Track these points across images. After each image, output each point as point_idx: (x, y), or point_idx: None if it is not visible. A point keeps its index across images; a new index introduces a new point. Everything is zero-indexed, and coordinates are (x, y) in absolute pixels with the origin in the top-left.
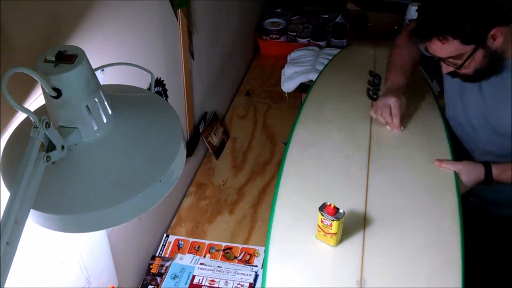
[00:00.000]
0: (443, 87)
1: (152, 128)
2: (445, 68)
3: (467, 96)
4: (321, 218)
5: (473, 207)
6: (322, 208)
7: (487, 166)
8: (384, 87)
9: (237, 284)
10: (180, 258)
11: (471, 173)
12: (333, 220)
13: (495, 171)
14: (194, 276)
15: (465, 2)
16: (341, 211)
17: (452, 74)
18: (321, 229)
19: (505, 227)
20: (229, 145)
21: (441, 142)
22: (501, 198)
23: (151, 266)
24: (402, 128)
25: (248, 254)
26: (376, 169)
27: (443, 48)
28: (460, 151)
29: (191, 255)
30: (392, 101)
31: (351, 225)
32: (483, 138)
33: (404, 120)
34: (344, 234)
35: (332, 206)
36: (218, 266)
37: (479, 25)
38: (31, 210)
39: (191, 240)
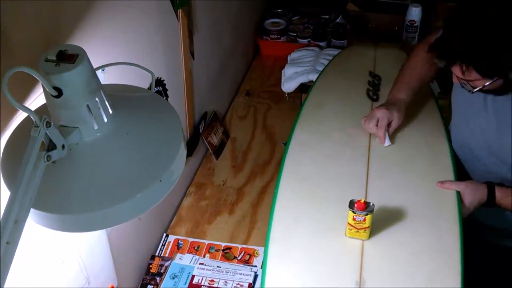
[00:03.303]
0: (452, 99)
1: (152, 128)
2: (455, 79)
3: (473, 119)
4: (353, 216)
5: (473, 235)
6: (352, 205)
7: (491, 187)
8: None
9: (237, 284)
10: (180, 258)
11: (474, 193)
12: (366, 215)
13: (499, 193)
14: (193, 276)
15: (498, 33)
16: (371, 204)
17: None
18: (353, 226)
19: (504, 258)
20: (229, 145)
21: (441, 143)
22: (503, 226)
23: (150, 266)
24: (389, 143)
25: (248, 254)
26: (376, 170)
27: (462, 74)
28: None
29: (191, 255)
30: (380, 113)
31: None
32: (484, 160)
33: (403, 123)
34: (344, 233)
35: (362, 201)
36: (217, 266)
37: (505, 61)
38: (31, 210)
39: (190, 240)
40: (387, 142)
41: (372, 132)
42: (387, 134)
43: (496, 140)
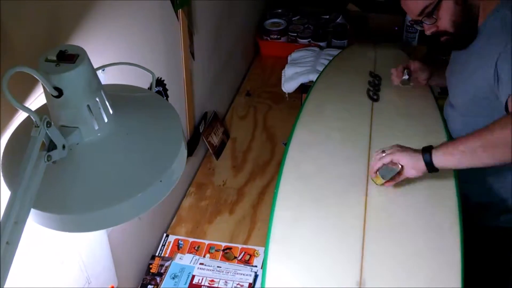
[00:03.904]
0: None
1: (152, 128)
2: (427, 29)
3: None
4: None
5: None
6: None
7: (426, 152)
8: None
9: (237, 284)
10: (180, 258)
11: (414, 165)
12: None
13: (436, 158)
14: (193, 276)
15: None
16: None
17: (436, 38)
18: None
19: (501, 239)
20: (229, 145)
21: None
22: (489, 199)
23: (150, 266)
24: (407, 77)
25: (248, 254)
26: None
27: (411, 4)
28: None
29: (191, 255)
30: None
31: (351, 225)
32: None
33: (404, 124)
34: (344, 234)
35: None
36: (217, 266)
37: None
38: (32, 210)
39: (191, 240)
40: (406, 76)
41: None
42: (405, 73)
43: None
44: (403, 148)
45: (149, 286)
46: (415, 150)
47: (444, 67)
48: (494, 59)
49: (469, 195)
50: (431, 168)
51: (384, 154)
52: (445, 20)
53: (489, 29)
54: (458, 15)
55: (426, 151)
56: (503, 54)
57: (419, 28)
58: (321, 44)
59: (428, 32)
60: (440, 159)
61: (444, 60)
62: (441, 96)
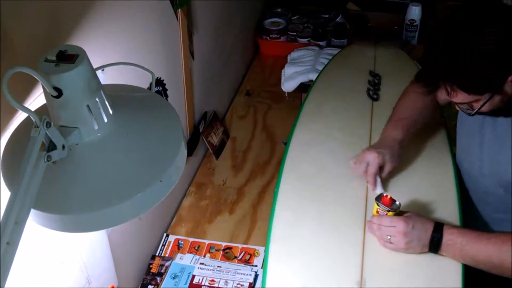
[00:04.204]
0: (456, 131)
1: (152, 128)
2: (456, 105)
3: (472, 147)
4: (377, 209)
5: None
6: (379, 198)
7: (438, 227)
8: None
9: (237, 284)
10: (180, 258)
11: (416, 231)
12: (388, 211)
13: (447, 235)
14: (194, 276)
15: (477, 45)
16: (397, 203)
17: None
18: (379, 234)
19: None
20: (229, 145)
21: (442, 143)
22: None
23: (151, 266)
24: (382, 191)
25: (248, 254)
26: None
27: (453, 98)
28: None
29: (191, 255)
30: (371, 158)
31: (351, 225)
32: (485, 182)
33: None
34: (345, 233)
35: (389, 197)
36: (218, 266)
37: (493, 76)
38: (32, 210)
39: (191, 239)
40: (379, 189)
41: (361, 177)
42: (379, 180)
43: (493, 158)
44: (408, 229)
45: (149, 286)
46: (422, 231)
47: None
48: None
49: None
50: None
51: (386, 228)
52: (485, 109)
53: None
54: (499, 107)
55: (437, 230)
56: None
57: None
58: (321, 43)
59: (458, 108)
60: (447, 252)
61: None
62: None
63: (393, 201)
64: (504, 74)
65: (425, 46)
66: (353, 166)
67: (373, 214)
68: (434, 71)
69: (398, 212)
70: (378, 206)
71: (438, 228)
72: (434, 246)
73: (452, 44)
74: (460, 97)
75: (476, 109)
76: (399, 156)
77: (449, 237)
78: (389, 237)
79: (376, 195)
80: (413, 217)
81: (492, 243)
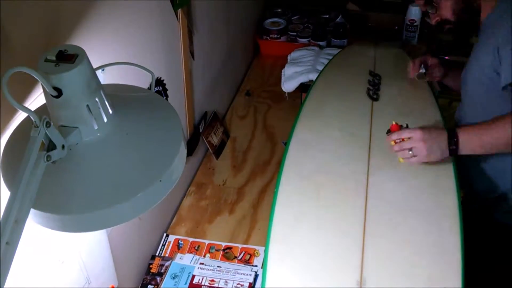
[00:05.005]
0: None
1: (152, 128)
2: (432, 18)
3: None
4: (395, 140)
5: (477, 215)
6: (388, 131)
7: (451, 132)
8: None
9: (237, 284)
10: (180, 258)
11: (433, 140)
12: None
13: (462, 137)
14: (194, 276)
15: None
16: (405, 124)
17: (440, 26)
18: (399, 149)
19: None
20: (229, 145)
21: None
22: (498, 191)
23: (151, 266)
24: (423, 70)
25: (248, 254)
26: (376, 168)
27: None
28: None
29: (191, 255)
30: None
31: (351, 224)
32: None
33: (404, 123)
34: (344, 233)
35: (394, 123)
36: (218, 266)
37: None
38: (31, 210)
39: (191, 239)
40: (422, 70)
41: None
42: (422, 67)
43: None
44: (425, 135)
45: (149, 286)
46: (438, 136)
47: (459, 69)
48: (496, 45)
49: (478, 192)
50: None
51: (405, 142)
52: (446, 8)
53: (491, 21)
54: (458, 3)
55: (452, 137)
56: (505, 41)
57: (427, 20)
58: (321, 43)
59: (433, 22)
60: (465, 145)
61: (458, 62)
62: (441, 95)
63: (401, 126)
64: None
65: None
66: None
67: (396, 152)
68: None
69: None
70: (391, 134)
71: (452, 132)
72: (454, 149)
73: None
74: None
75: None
76: (445, 69)
77: (465, 137)
78: (410, 152)
79: (387, 130)
80: (427, 127)
81: (505, 122)
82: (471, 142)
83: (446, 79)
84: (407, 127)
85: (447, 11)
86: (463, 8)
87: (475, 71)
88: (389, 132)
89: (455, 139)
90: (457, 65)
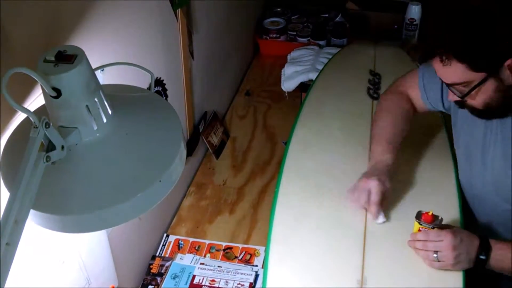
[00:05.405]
0: (454, 140)
1: (152, 128)
2: (451, 96)
3: (476, 157)
4: (419, 227)
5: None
6: (419, 217)
7: (484, 240)
8: (368, 164)
9: (238, 284)
10: (180, 258)
11: (465, 244)
12: (432, 228)
13: (495, 247)
14: (194, 276)
15: (479, 21)
16: (440, 217)
17: (459, 104)
18: (423, 249)
19: None
20: (229, 145)
21: (442, 142)
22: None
23: (151, 266)
24: (384, 220)
25: (249, 254)
26: None
27: (447, 72)
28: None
29: (191, 255)
30: (373, 186)
31: (351, 224)
32: (489, 200)
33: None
34: (345, 233)
35: (430, 213)
36: (218, 266)
37: (492, 50)
38: (31, 210)
39: (191, 240)
40: (381, 219)
41: (361, 208)
42: (381, 210)
43: (501, 176)
44: (456, 241)
45: (149, 286)
46: (470, 244)
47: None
48: None
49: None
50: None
51: (432, 243)
52: (478, 100)
53: None
54: (494, 100)
55: (484, 247)
56: None
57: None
58: (321, 42)
59: (450, 99)
60: (496, 261)
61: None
62: None
63: (435, 216)
64: (503, 55)
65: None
66: (351, 197)
67: (413, 232)
68: (434, 38)
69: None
70: (420, 224)
71: (485, 242)
72: (482, 261)
73: (459, 16)
74: (453, 70)
75: (468, 90)
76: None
77: (499, 252)
78: (435, 255)
79: (417, 213)
80: (459, 230)
81: None
82: (503, 260)
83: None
84: (441, 221)
85: (477, 102)
86: (497, 105)
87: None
88: (419, 218)
89: (487, 254)
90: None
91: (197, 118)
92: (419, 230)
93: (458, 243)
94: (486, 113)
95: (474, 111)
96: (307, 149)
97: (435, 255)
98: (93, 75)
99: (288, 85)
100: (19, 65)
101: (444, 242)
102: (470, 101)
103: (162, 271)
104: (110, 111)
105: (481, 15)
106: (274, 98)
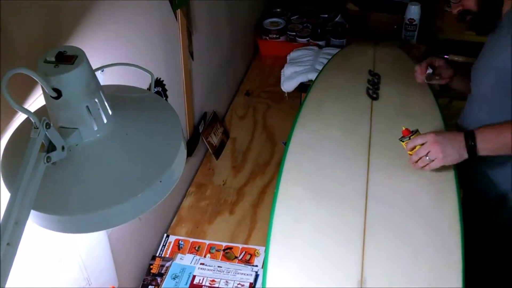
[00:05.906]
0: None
1: (152, 128)
2: (454, 8)
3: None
4: (405, 143)
5: (477, 215)
6: (401, 139)
7: (469, 134)
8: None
9: (238, 284)
10: (181, 258)
11: (449, 143)
12: (412, 135)
13: (480, 138)
14: (194, 276)
15: None
16: (416, 129)
17: (461, 16)
18: (417, 158)
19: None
20: (229, 145)
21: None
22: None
23: (151, 266)
24: (431, 71)
25: (249, 254)
26: (376, 168)
27: None
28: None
29: (192, 255)
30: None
31: (351, 224)
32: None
33: (404, 122)
34: (344, 233)
35: (404, 128)
36: (218, 266)
37: None
38: (32, 211)
39: (191, 240)
40: (430, 70)
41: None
42: (429, 68)
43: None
44: (439, 137)
45: (149, 287)
46: (453, 137)
47: (467, 71)
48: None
49: (478, 191)
50: (473, 154)
51: (420, 148)
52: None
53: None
54: None
55: (469, 137)
56: None
57: (447, 8)
58: (320, 43)
59: (454, 11)
60: (483, 145)
61: (465, 64)
62: (440, 94)
63: (411, 130)
64: None
65: None
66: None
67: (412, 159)
68: None
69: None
70: (403, 141)
71: (469, 132)
72: (472, 147)
73: None
74: None
75: None
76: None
77: (483, 135)
78: (427, 157)
79: (399, 139)
80: (442, 130)
81: None
82: (488, 142)
83: (455, 80)
84: (417, 131)
85: (470, 1)
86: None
87: (489, 67)
88: (402, 138)
89: (473, 138)
90: (461, 65)
91: (197, 118)
92: (412, 150)
93: (442, 139)
94: (479, 21)
95: (474, 20)
96: (306, 150)
97: (427, 158)
98: (93, 75)
99: (288, 85)
100: (20, 66)
101: (428, 141)
102: (466, 4)
103: (162, 271)
104: (110, 112)
105: None
106: (274, 98)
